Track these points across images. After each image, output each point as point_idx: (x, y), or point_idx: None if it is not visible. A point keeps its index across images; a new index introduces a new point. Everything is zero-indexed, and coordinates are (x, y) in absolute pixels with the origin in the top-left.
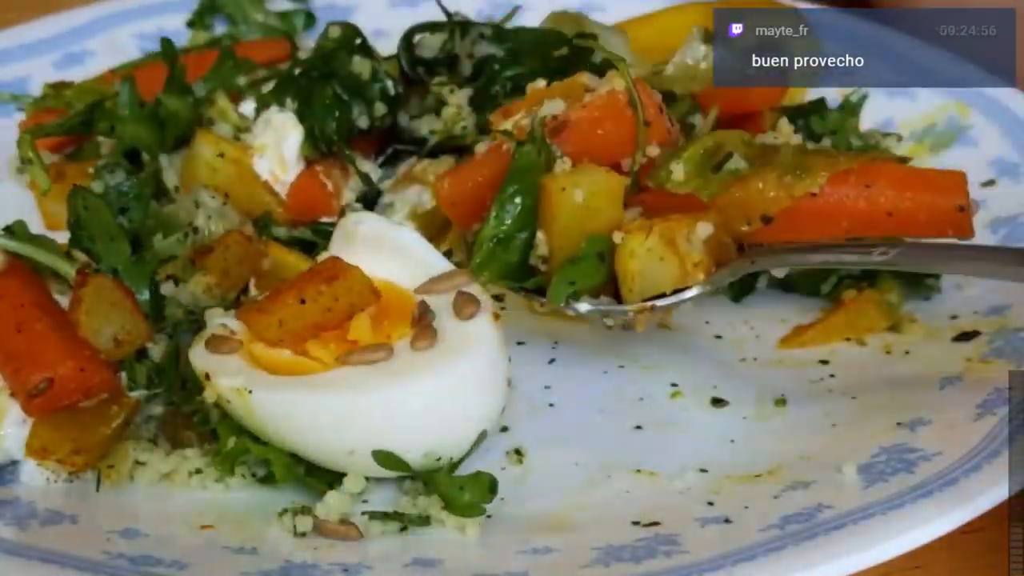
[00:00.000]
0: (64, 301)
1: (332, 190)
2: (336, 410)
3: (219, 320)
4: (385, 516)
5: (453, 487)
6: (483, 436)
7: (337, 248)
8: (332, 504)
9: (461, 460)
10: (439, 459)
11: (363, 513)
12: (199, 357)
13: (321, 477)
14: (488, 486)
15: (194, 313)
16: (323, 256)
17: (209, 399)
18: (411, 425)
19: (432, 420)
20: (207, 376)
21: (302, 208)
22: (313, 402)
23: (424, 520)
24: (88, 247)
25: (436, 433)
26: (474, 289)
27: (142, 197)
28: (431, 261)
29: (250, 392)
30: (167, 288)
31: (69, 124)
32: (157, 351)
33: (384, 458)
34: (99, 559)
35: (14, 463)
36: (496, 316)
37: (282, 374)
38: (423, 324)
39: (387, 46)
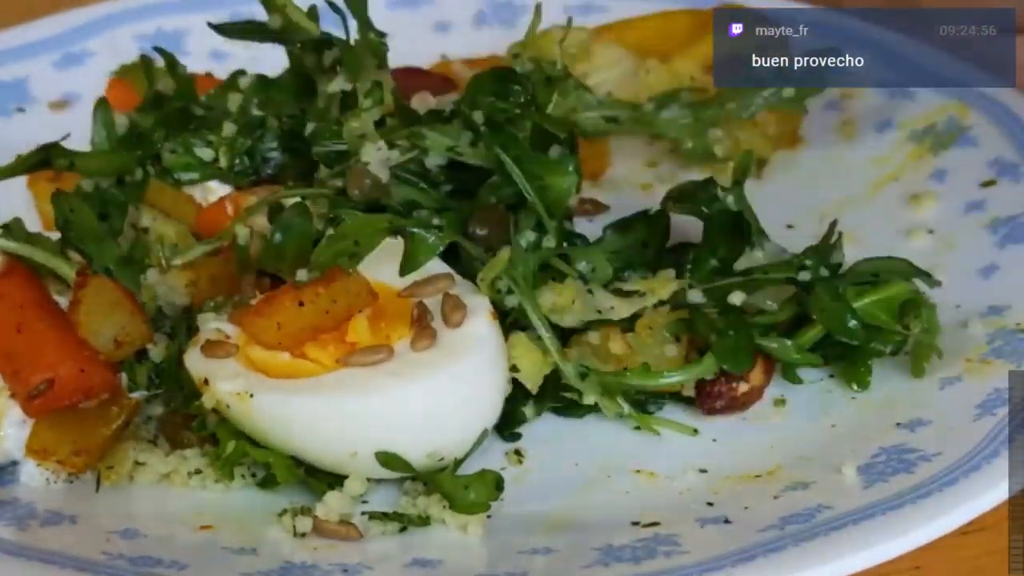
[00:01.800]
0: (63, 302)
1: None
2: (339, 412)
3: (213, 324)
4: (385, 516)
5: (457, 486)
6: (485, 435)
7: None
8: (332, 504)
9: (463, 459)
10: (442, 459)
11: (363, 513)
12: (195, 362)
13: (322, 478)
14: (494, 484)
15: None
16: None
17: (208, 404)
18: (414, 425)
19: (435, 420)
20: (205, 381)
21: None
22: (315, 404)
23: (424, 520)
24: (80, 247)
25: (439, 433)
26: (463, 291)
27: (122, 206)
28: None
29: (251, 396)
30: (152, 275)
31: (25, 164)
32: (157, 352)
33: (387, 459)
34: (99, 559)
35: (14, 464)
36: (494, 316)
37: (281, 377)
38: (422, 325)
39: (388, 46)
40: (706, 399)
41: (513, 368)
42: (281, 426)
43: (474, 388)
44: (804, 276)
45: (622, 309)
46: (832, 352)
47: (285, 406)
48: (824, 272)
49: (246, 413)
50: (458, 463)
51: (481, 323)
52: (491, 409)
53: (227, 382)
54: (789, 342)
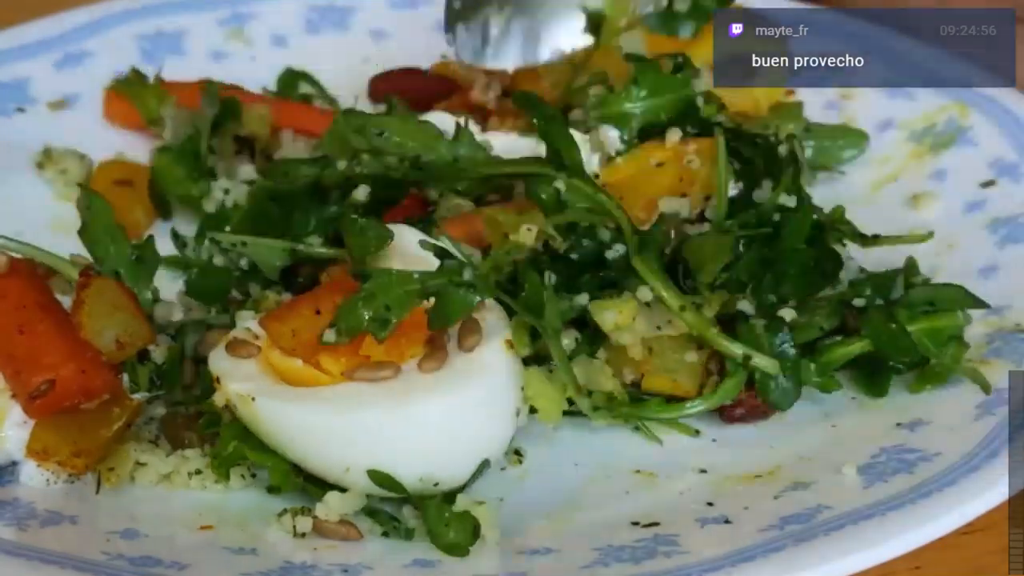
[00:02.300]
0: (66, 302)
1: None
2: (334, 426)
3: (246, 323)
4: (387, 520)
5: (440, 521)
6: (485, 465)
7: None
8: (332, 505)
9: (461, 489)
10: (436, 484)
11: (365, 514)
12: (217, 360)
13: (321, 486)
14: (472, 529)
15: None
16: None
17: (219, 403)
18: (408, 447)
19: (431, 444)
20: (217, 380)
21: None
22: (310, 415)
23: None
24: (91, 248)
25: (433, 458)
26: (487, 311)
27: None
28: None
29: (253, 399)
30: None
31: None
32: (159, 353)
33: (380, 478)
34: (99, 560)
35: (14, 464)
36: (510, 344)
37: (291, 383)
38: (435, 345)
39: (388, 46)
40: (726, 408)
41: (532, 410)
42: (281, 432)
43: (476, 417)
44: (859, 302)
45: (680, 324)
46: (851, 363)
47: (282, 413)
48: (879, 301)
49: (251, 415)
50: (454, 492)
51: (495, 350)
52: (494, 439)
53: (237, 383)
54: (812, 366)
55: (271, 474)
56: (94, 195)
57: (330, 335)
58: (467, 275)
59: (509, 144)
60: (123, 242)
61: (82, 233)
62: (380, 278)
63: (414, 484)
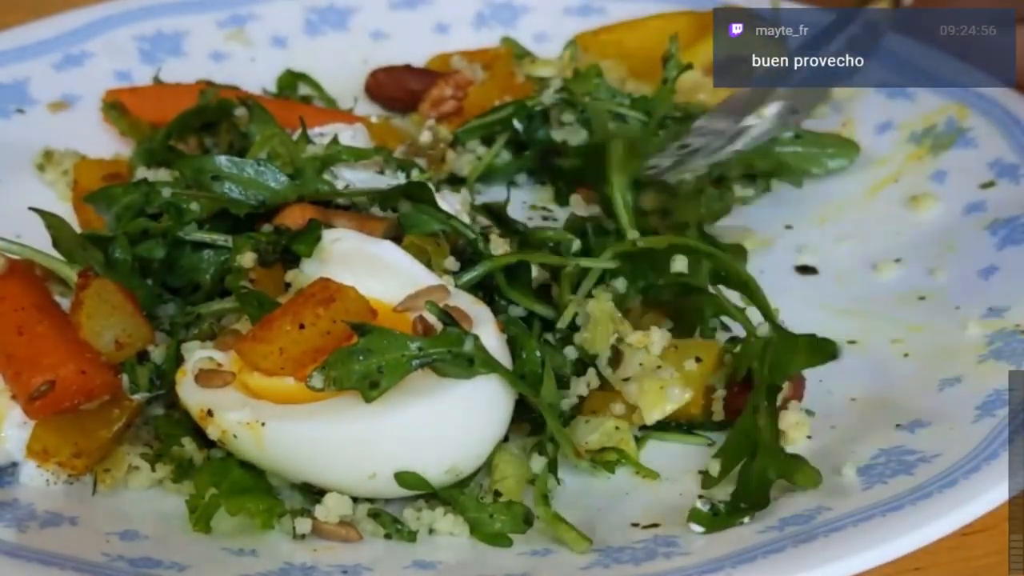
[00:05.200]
0: (65, 303)
1: None
2: (357, 435)
3: (201, 353)
4: (390, 522)
5: (482, 512)
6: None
7: (311, 268)
8: (331, 506)
9: (476, 472)
10: (459, 474)
11: (367, 513)
12: (193, 393)
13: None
14: (522, 517)
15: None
16: (294, 275)
17: (213, 436)
18: (433, 441)
19: (453, 434)
20: (208, 413)
21: None
22: (333, 429)
23: (427, 532)
24: (69, 260)
25: (457, 448)
26: (462, 301)
27: None
28: (414, 275)
29: (262, 425)
30: None
31: None
32: (158, 353)
33: (407, 479)
34: (99, 561)
35: (14, 465)
36: (501, 327)
37: (288, 403)
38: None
39: (387, 47)
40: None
41: (496, 493)
42: (295, 453)
43: (489, 398)
44: None
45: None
46: None
47: (300, 433)
48: None
49: (256, 443)
50: (471, 476)
51: (490, 334)
52: (505, 419)
53: (234, 412)
54: None
55: (254, 516)
56: (45, 213)
57: (317, 380)
58: (467, 346)
59: None
60: (94, 248)
61: (56, 249)
62: (378, 337)
63: (441, 478)
